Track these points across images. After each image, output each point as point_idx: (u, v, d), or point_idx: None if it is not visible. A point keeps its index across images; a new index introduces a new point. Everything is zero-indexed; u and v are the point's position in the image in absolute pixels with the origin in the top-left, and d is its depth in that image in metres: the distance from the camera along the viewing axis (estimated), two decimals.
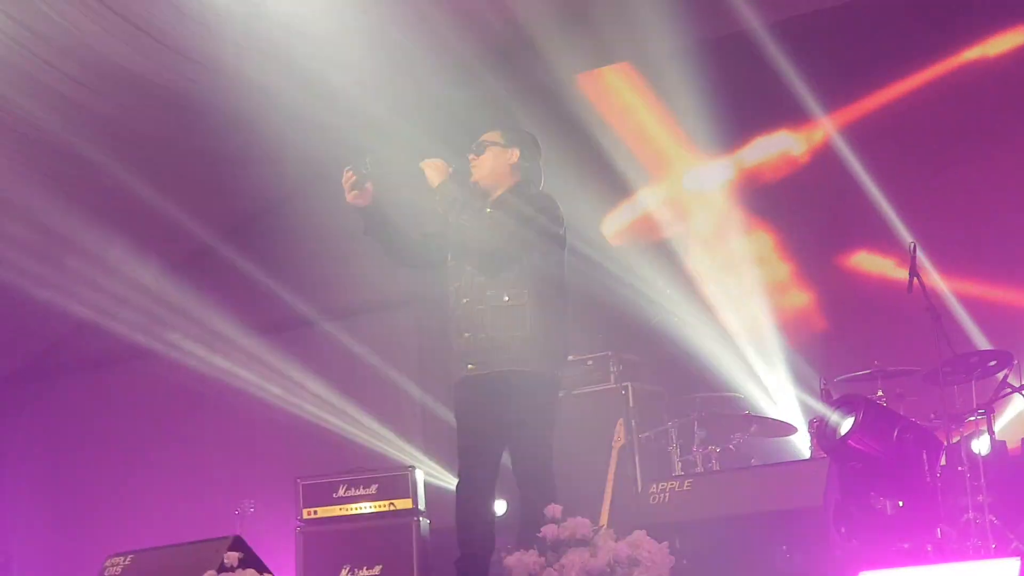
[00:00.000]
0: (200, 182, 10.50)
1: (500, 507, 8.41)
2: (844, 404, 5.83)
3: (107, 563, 6.74)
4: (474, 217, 5.88)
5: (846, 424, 5.65)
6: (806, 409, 8.47)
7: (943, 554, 5.96)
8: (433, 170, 5.98)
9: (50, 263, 10.88)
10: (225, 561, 5.94)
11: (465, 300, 5.88)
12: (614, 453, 7.85)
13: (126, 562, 6.65)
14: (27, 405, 12.50)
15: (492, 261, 5.88)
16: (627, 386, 8.31)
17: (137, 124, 9.52)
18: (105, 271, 11.43)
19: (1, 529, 12.09)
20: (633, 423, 8.15)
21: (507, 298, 5.85)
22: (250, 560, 6.11)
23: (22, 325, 11.08)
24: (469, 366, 5.84)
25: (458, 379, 5.91)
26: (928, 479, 5.43)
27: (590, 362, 8.55)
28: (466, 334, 5.86)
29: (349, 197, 5.92)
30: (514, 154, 6.10)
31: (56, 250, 10.80)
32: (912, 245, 7.54)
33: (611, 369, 8.47)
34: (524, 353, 5.81)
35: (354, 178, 5.86)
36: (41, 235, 10.49)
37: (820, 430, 5.78)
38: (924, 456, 5.42)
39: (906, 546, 5.75)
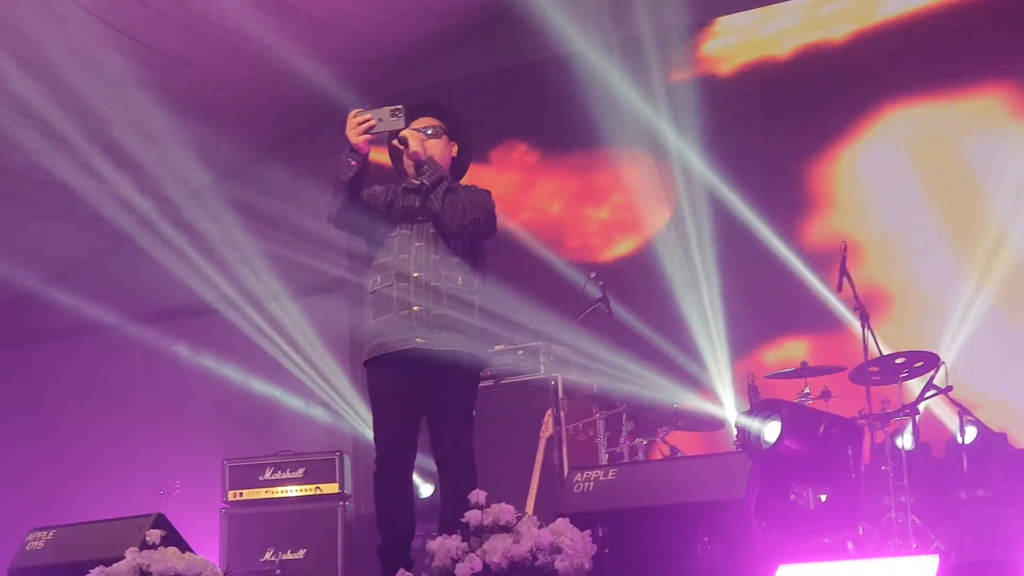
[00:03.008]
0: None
1: (426, 490, 8.48)
2: (765, 409, 5.87)
3: (29, 537, 6.67)
4: (455, 197, 5.87)
5: (770, 432, 5.69)
6: (737, 404, 8.57)
7: (864, 551, 6.03)
8: (417, 141, 5.92)
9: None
10: (147, 539, 5.89)
11: (417, 274, 5.83)
12: (542, 443, 7.88)
13: (48, 536, 6.58)
14: None
15: (456, 243, 5.89)
16: (556, 377, 8.33)
17: None
18: (37, 246, 11.40)
19: None
20: (562, 414, 8.17)
21: (460, 281, 5.86)
22: (172, 538, 6.07)
23: None
24: (418, 339, 5.78)
25: (392, 351, 5.82)
26: (853, 474, 5.48)
27: (521, 352, 8.56)
28: (416, 307, 5.80)
29: (357, 139, 5.72)
30: (454, 148, 6.12)
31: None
32: (843, 244, 7.64)
33: (541, 359, 8.49)
34: (471, 336, 5.85)
35: (373, 123, 5.71)
36: None
37: (744, 441, 5.82)
38: (849, 451, 5.47)
39: (827, 541, 5.81)
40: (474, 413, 5.95)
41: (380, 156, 6.06)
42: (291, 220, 10.21)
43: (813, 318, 9.04)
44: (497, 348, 8.14)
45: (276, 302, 10.97)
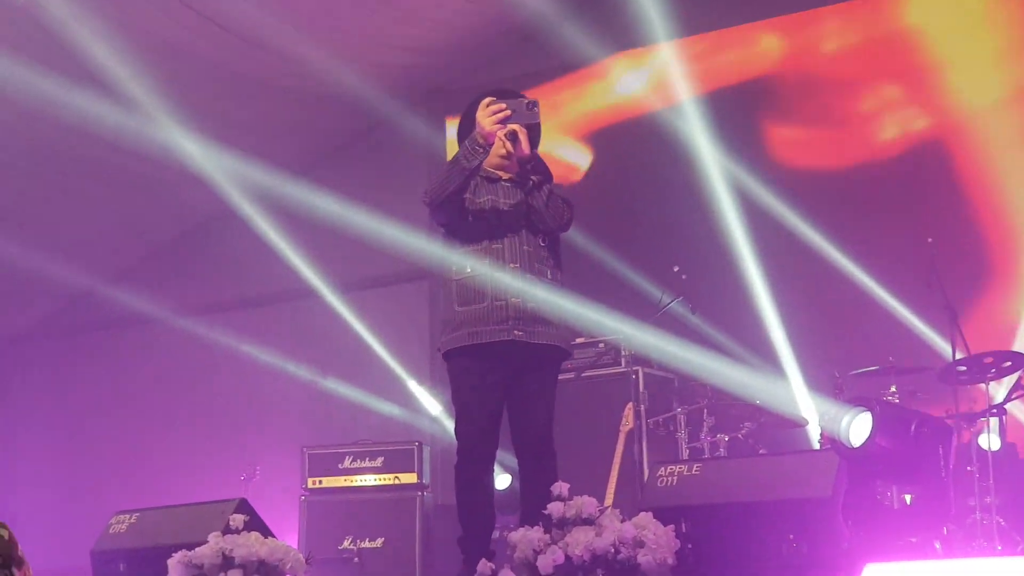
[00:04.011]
0: None
1: (502, 482, 8.46)
2: (855, 407, 5.80)
3: (112, 520, 6.71)
4: (555, 196, 5.85)
5: (860, 429, 5.61)
6: (818, 402, 8.46)
7: (951, 551, 5.94)
8: (526, 139, 5.85)
9: (71, 225, 10.96)
10: (230, 523, 5.91)
11: (513, 265, 5.80)
12: (621, 436, 7.86)
13: (131, 520, 6.61)
14: (41, 362, 12.57)
15: (544, 236, 5.87)
16: (637, 370, 8.29)
17: None
18: (117, 238, 11.53)
19: (8, 484, 12.14)
20: (642, 408, 8.14)
21: (550, 274, 5.85)
22: (255, 524, 6.08)
23: (40, 283, 11.11)
24: (516, 332, 5.74)
25: (486, 341, 5.78)
26: (942, 474, 5.40)
27: (601, 345, 8.54)
28: (513, 299, 5.76)
29: (492, 127, 5.66)
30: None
31: (76, 215, 10.88)
32: (931, 242, 7.53)
33: (623, 353, 8.46)
34: (562, 329, 5.84)
35: (508, 113, 5.65)
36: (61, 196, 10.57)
37: (832, 438, 5.76)
38: (939, 450, 5.38)
39: (914, 540, 5.73)
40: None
41: None
42: (372, 207, 10.24)
43: (898, 317, 8.92)
44: (578, 341, 8.11)
45: (357, 291, 11.00)
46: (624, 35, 9.81)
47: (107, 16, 8.53)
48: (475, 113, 5.74)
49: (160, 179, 10.49)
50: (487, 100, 5.71)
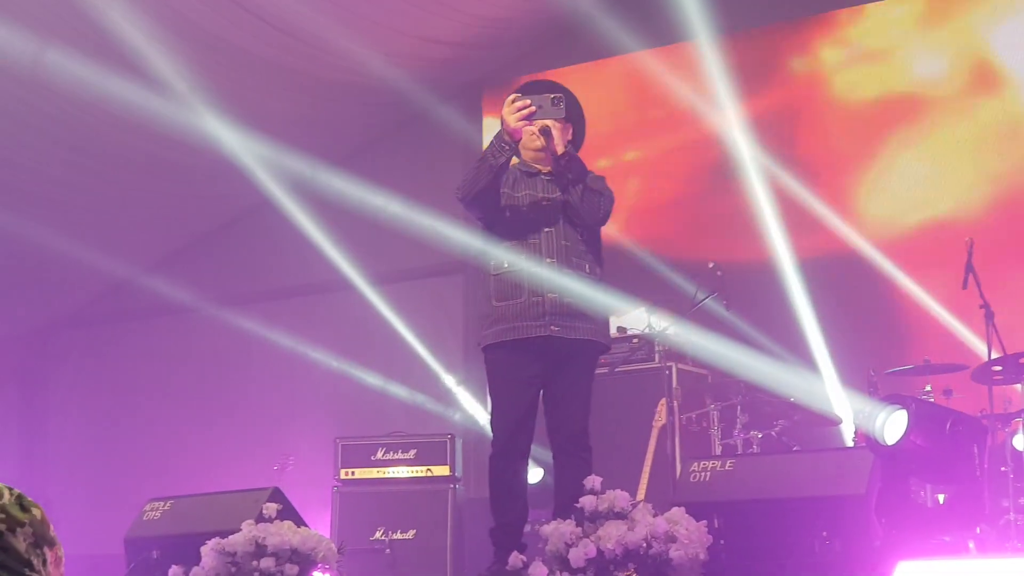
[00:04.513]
0: None
1: (534, 475, 8.47)
2: (890, 404, 5.77)
3: (146, 507, 6.76)
4: (591, 191, 5.83)
5: (895, 427, 5.59)
6: (853, 400, 8.43)
7: (984, 550, 5.91)
8: (559, 134, 5.85)
9: (108, 215, 11.02)
10: (264, 511, 5.95)
11: (550, 260, 5.80)
12: (654, 432, 7.85)
13: (165, 507, 6.67)
14: (79, 350, 12.66)
15: (586, 231, 5.87)
16: (671, 366, 8.28)
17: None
18: (156, 227, 11.59)
19: (45, 470, 12.23)
20: (675, 403, 8.13)
21: (588, 268, 5.84)
22: (288, 513, 6.12)
23: (78, 271, 11.18)
24: (553, 327, 5.74)
25: (522, 337, 5.77)
26: (977, 473, 5.37)
27: (635, 340, 8.53)
28: (550, 294, 5.76)
29: (517, 124, 5.68)
30: (569, 130, 6.04)
31: (114, 203, 10.95)
32: (969, 241, 7.48)
33: (656, 348, 8.45)
34: (599, 324, 5.84)
35: (533, 109, 5.66)
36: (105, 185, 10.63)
37: (867, 436, 5.73)
38: (974, 449, 5.36)
39: (947, 540, 5.71)
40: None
41: None
42: (408, 200, 10.26)
43: (933, 315, 8.88)
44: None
45: (391, 283, 11.02)
46: (663, 29, 9.78)
47: (148, 7, 8.57)
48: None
49: (199, 169, 10.54)
50: (512, 96, 5.71)
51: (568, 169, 5.82)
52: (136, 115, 9.19)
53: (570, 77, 8.85)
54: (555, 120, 5.80)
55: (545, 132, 5.78)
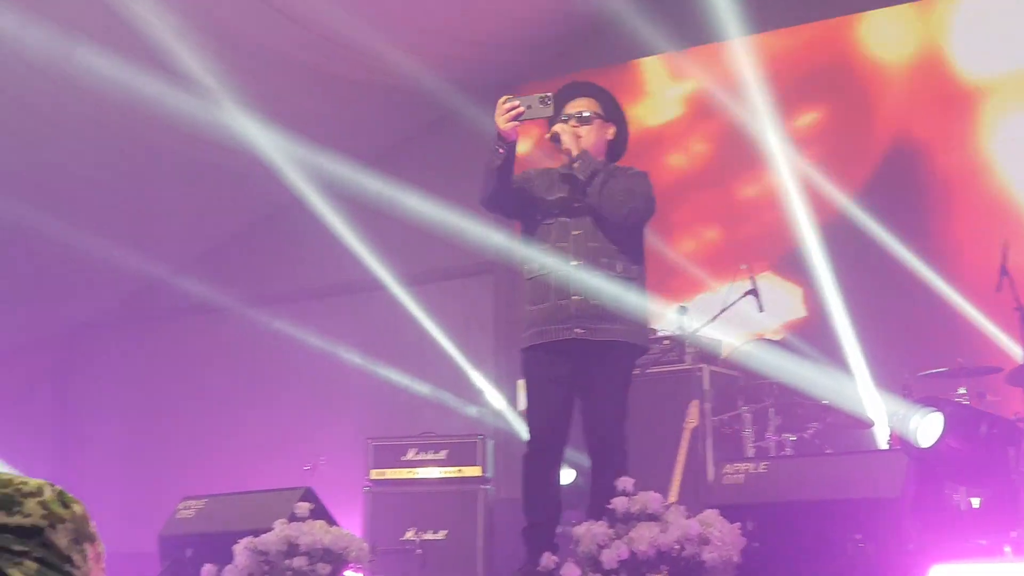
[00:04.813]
0: None
1: (567, 476, 8.45)
2: (925, 407, 5.74)
3: (180, 506, 6.80)
4: (612, 188, 5.83)
5: (930, 429, 5.56)
6: (887, 403, 8.38)
7: (1021, 554, 5.87)
8: (568, 135, 5.88)
9: (140, 215, 11.08)
10: (296, 511, 5.97)
11: (575, 263, 5.80)
12: (686, 434, 7.81)
13: (199, 505, 6.70)
14: (112, 349, 12.72)
15: (616, 230, 5.85)
16: (702, 368, 8.25)
17: None
18: (188, 227, 11.64)
19: (79, 468, 12.28)
20: (707, 406, 8.10)
21: (620, 268, 5.83)
22: (320, 512, 6.14)
23: (111, 270, 11.23)
24: (577, 330, 5.75)
25: (551, 340, 5.80)
26: (1012, 476, 5.34)
27: (666, 342, 8.50)
28: (575, 296, 5.77)
29: (508, 125, 5.70)
30: (611, 129, 6.05)
31: (147, 204, 10.99)
32: (1004, 242, 7.44)
33: (687, 350, 8.41)
34: (630, 324, 5.82)
35: (522, 110, 5.69)
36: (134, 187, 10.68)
37: (901, 438, 5.71)
38: (1010, 453, 5.33)
39: (983, 543, 5.68)
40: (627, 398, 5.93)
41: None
42: (439, 200, 10.27)
43: (968, 317, 8.83)
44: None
45: (421, 284, 11.03)
46: (696, 30, 9.76)
47: (183, 9, 8.60)
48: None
49: (231, 169, 10.57)
50: (503, 98, 5.74)
51: (582, 169, 5.83)
52: (169, 115, 9.21)
53: (605, 78, 8.84)
54: (598, 120, 5.88)
55: (553, 137, 5.86)
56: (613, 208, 5.80)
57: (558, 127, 5.85)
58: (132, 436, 12.25)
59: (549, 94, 5.72)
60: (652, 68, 10.48)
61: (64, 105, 9.40)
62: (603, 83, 6.34)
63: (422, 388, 10.89)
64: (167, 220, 11.46)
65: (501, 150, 5.72)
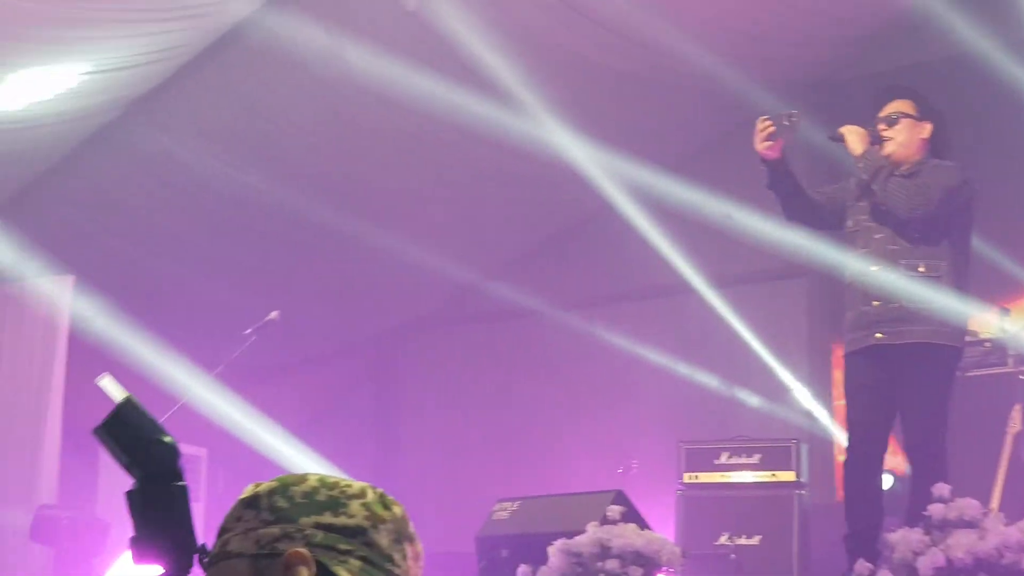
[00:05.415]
0: None
1: (887, 482, 8.28)
2: None
3: (495, 507, 6.97)
4: (901, 184, 5.80)
5: None
6: None
7: None
8: (856, 136, 5.93)
9: (457, 224, 11.40)
10: (608, 514, 6.05)
11: (875, 267, 5.78)
12: (1008, 439, 7.57)
13: (513, 507, 6.86)
14: (427, 353, 13.11)
15: (914, 229, 5.79)
16: None
17: None
18: (500, 233, 11.91)
19: (395, 469, 12.70)
20: None
21: (923, 268, 5.75)
22: (631, 515, 6.21)
23: (426, 276, 11.58)
24: (878, 335, 5.72)
25: (859, 347, 5.80)
26: None
27: (987, 344, 8.24)
28: (875, 302, 5.75)
29: (761, 146, 5.86)
30: (926, 128, 6.00)
31: (463, 213, 11.31)
32: None
33: (1009, 352, 8.14)
34: (938, 325, 5.72)
35: (772, 129, 5.85)
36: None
37: None
38: None
39: None
40: (948, 402, 5.82)
41: None
42: (749, 203, 10.21)
43: None
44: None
45: (732, 287, 10.99)
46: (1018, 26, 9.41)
47: (489, 18, 8.79)
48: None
49: (543, 177, 10.74)
50: (760, 119, 5.94)
51: (865, 170, 5.86)
52: (485, 129, 9.44)
53: (919, 76, 8.66)
54: (907, 120, 5.90)
55: (836, 137, 5.98)
56: (899, 205, 5.77)
57: (844, 129, 5.92)
58: (447, 437, 12.57)
59: (794, 112, 5.93)
60: (973, 64, 10.08)
61: (394, 124, 9.76)
62: (918, 80, 6.31)
63: (733, 391, 10.85)
64: (483, 228, 11.73)
65: (769, 171, 5.90)
